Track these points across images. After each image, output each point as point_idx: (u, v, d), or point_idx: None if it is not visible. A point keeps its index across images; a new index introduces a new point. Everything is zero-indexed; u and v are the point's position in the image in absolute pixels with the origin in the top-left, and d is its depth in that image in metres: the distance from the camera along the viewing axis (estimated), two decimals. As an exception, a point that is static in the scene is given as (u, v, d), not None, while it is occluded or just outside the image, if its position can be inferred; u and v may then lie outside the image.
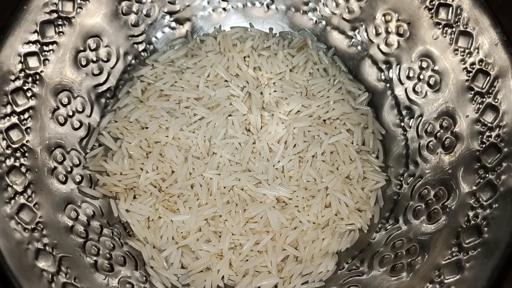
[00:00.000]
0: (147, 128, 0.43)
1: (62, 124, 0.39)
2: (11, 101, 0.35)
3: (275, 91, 0.44)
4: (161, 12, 0.46)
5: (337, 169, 0.41)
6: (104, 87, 0.44)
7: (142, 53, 0.46)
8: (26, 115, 0.36)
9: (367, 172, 0.42)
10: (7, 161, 0.34)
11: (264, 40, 0.47)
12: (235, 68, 0.45)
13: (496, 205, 0.32)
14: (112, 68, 0.44)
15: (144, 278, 0.37)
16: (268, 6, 0.48)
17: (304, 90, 0.45)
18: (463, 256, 0.32)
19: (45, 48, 0.38)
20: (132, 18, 0.44)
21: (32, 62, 0.37)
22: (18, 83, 0.36)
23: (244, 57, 0.46)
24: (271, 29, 0.49)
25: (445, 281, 0.32)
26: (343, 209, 0.41)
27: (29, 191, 0.34)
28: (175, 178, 0.41)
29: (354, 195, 0.41)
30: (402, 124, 0.43)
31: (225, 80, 0.45)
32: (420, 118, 0.41)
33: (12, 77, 0.35)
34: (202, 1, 0.47)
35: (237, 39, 0.47)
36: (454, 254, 0.33)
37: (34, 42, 0.37)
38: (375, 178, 0.42)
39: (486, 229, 0.32)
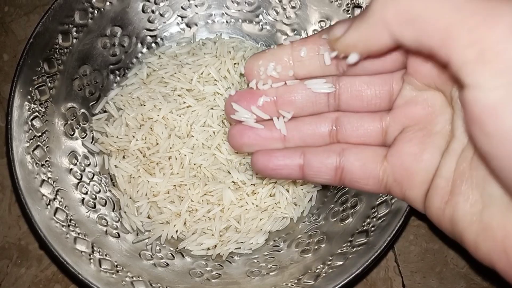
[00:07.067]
0: (144, 105, 0.53)
1: (79, 90, 0.51)
2: (43, 66, 0.47)
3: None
4: (174, 14, 0.56)
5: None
6: (117, 66, 0.55)
7: (153, 45, 0.57)
8: (53, 78, 0.48)
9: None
10: (32, 110, 0.45)
11: (254, 52, 0.57)
12: (225, 71, 0.56)
13: (385, 218, 0.43)
14: (127, 52, 0.55)
15: (117, 219, 0.49)
16: (262, 26, 0.58)
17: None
18: (350, 250, 0.43)
19: (76, 29, 0.49)
20: (151, 15, 0.55)
21: (65, 39, 0.48)
22: (51, 54, 0.47)
23: (234, 64, 0.56)
24: (261, 44, 0.59)
25: (333, 264, 0.42)
26: (283, 200, 0.51)
27: (44, 136, 0.45)
28: (158, 149, 0.52)
29: (295, 192, 0.52)
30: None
31: (215, 80, 0.55)
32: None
33: (48, 51, 0.47)
34: (209, 11, 0.58)
35: (232, 47, 0.57)
36: (345, 248, 0.43)
37: (68, 23, 0.48)
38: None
39: (372, 234, 0.42)
